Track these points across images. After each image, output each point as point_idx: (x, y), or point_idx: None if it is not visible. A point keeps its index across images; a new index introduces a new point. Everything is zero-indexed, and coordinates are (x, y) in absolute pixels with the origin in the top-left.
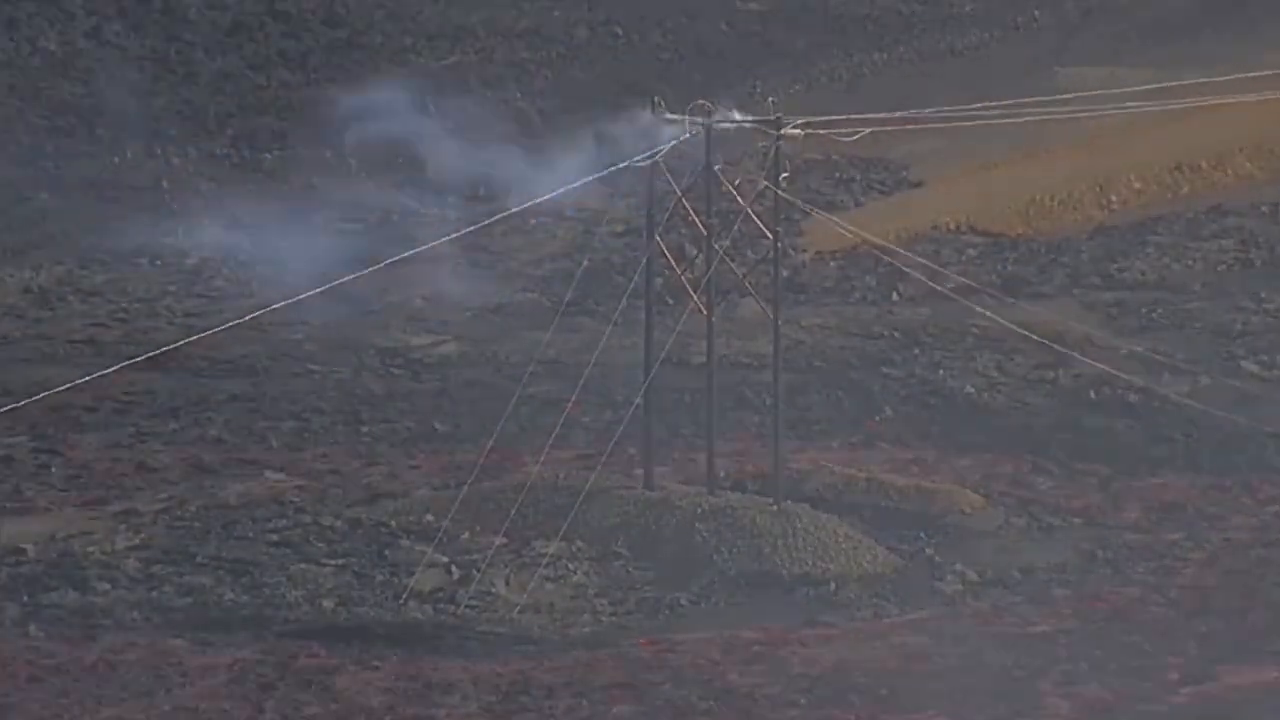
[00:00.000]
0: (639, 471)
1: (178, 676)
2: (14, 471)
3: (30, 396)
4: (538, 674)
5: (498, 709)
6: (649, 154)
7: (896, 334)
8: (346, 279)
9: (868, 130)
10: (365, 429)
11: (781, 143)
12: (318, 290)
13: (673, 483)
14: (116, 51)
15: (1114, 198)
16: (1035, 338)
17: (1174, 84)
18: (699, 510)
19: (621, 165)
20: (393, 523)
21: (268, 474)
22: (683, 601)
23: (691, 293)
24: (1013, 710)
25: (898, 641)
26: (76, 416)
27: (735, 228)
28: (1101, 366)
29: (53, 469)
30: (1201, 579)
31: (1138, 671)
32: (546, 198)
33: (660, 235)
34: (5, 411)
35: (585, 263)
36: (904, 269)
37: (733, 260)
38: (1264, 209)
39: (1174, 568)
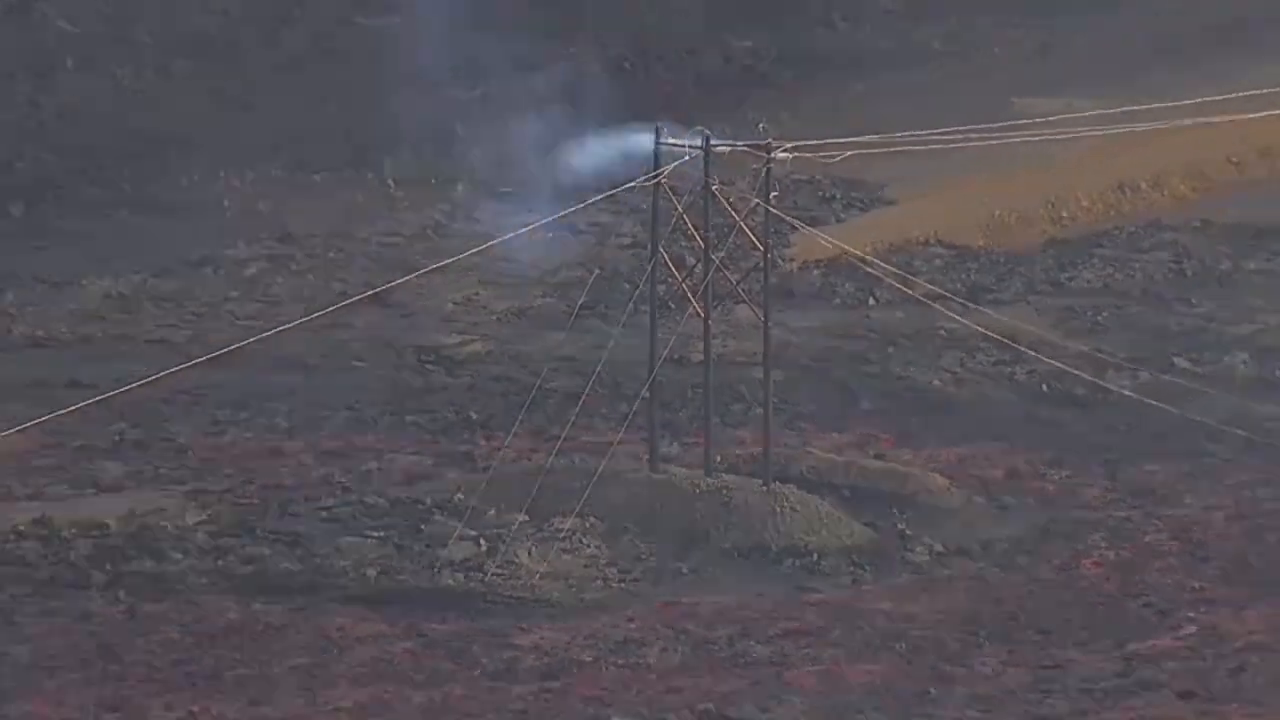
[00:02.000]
0: (645, 456)
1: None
2: (98, 455)
3: (112, 390)
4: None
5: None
6: (653, 175)
7: (873, 335)
8: (387, 286)
9: (848, 154)
10: (408, 418)
11: (771, 165)
12: (362, 296)
13: (675, 466)
14: (184, 84)
15: (1065, 214)
16: (995, 338)
17: (1117, 113)
18: (697, 491)
19: (629, 185)
20: (428, 501)
21: (317, 458)
22: (683, 571)
23: (691, 298)
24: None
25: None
26: (154, 408)
27: (730, 240)
28: (1053, 364)
29: (132, 453)
30: (1145, 552)
31: (1079, 631)
32: (563, 214)
33: (663, 247)
34: (91, 403)
35: (597, 272)
36: (879, 277)
37: (728, 269)
38: (1195, 224)
39: (1119, 542)
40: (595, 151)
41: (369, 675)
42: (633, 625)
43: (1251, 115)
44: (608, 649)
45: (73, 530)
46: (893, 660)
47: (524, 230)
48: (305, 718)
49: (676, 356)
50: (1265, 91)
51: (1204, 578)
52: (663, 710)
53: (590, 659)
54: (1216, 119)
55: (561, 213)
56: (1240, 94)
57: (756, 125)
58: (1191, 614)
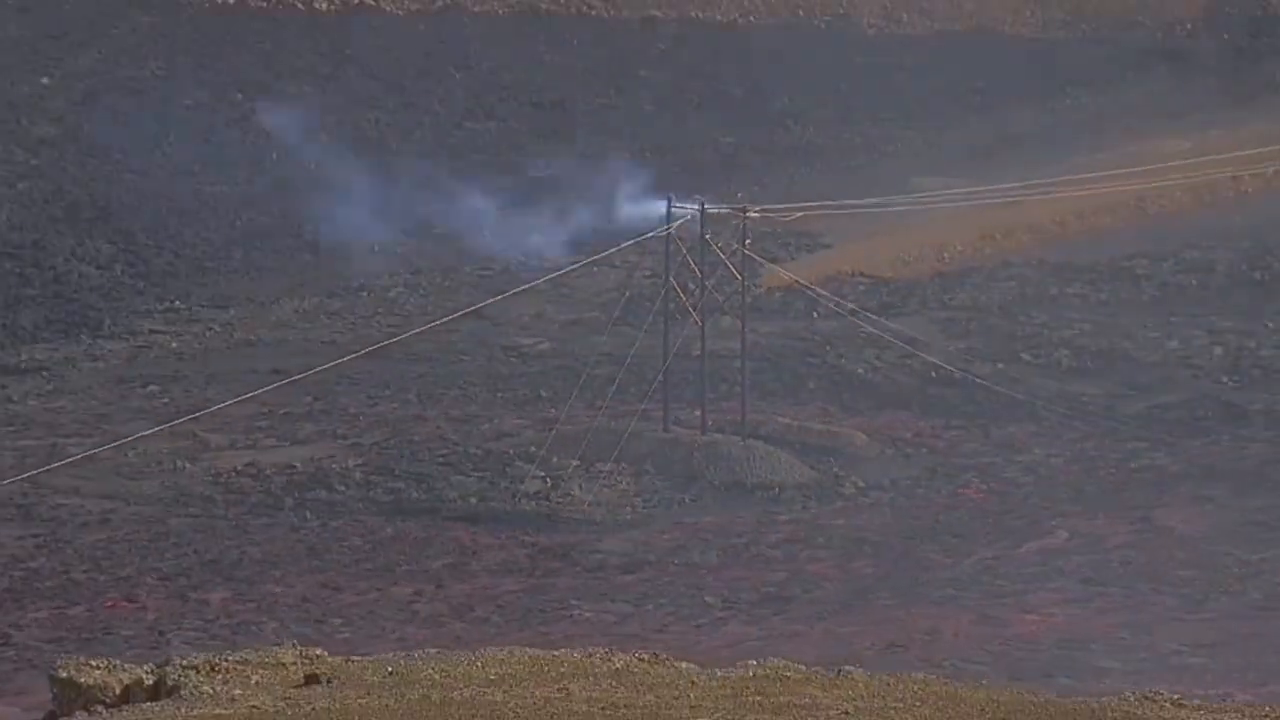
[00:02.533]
0: (660, 419)
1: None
2: (291, 419)
3: (300, 375)
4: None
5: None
6: (666, 228)
7: (816, 337)
8: (483, 304)
9: (798, 215)
10: (498, 395)
11: (746, 222)
12: (467, 310)
13: (680, 427)
14: (348, 168)
15: (946, 256)
16: (899, 341)
17: (981, 189)
18: (696, 444)
19: (650, 235)
20: (511, 451)
21: (436, 421)
22: (685, 501)
23: (692, 312)
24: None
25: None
26: (329, 387)
27: (718, 273)
28: (937, 359)
29: (314, 418)
30: (1009, 485)
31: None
32: (605, 254)
33: (673, 277)
34: (286, 383)
35: (627, 294)
36: (820, 298)
37: (717, 292)
38: (1034, 263)
39: (989, 479)
40: (629, 212)
41: (501, 570)
42: (665, 537)
43: (1068, 193)
44: (664, 552)
45: (272, 469)
46: (869, 558)
47: (578, 265)
48: (468, 595)
49: (682, 352)
50: (1077, 176)
51: (1056, 500)
52: (736, 592)
53: (655, 559)
54: (1044, 194)
55: (602, 254)
56: (1061, 178)
57: (736, 195)
58: (1054, 523)
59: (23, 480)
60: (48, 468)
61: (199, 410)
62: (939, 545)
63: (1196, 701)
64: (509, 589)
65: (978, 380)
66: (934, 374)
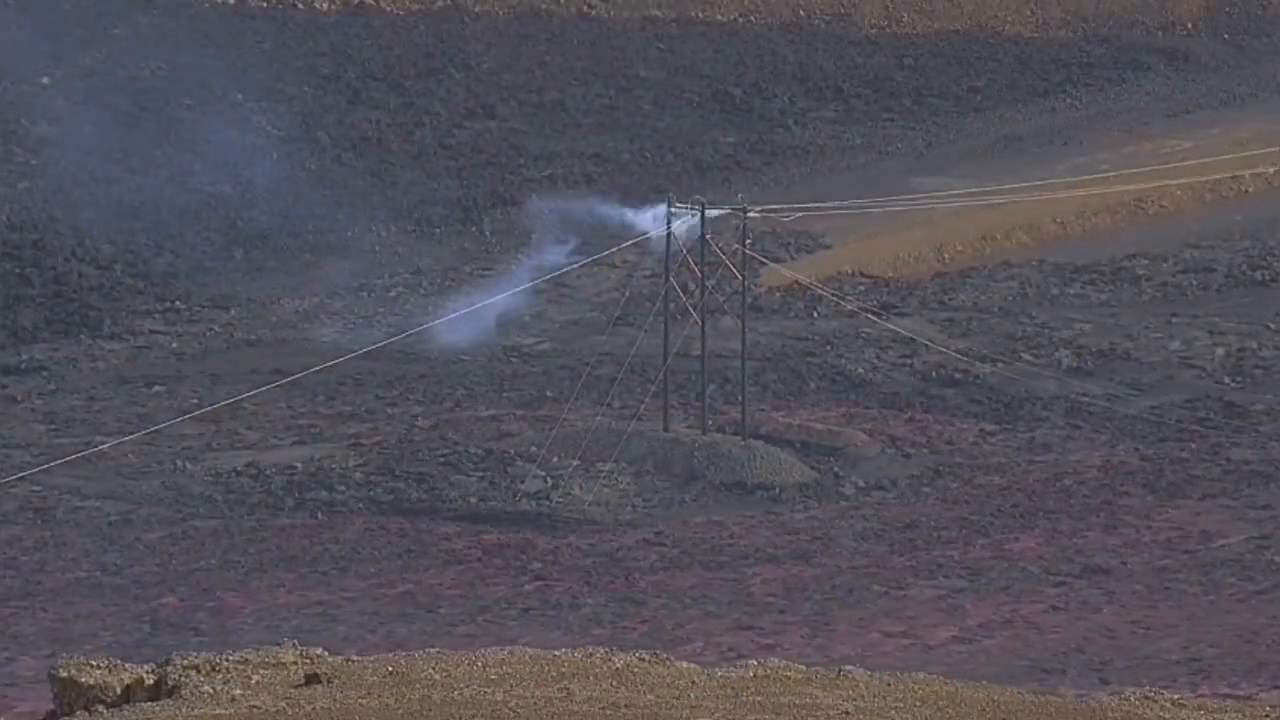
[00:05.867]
0: (660, 419)
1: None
2: (293, 418)
3: (300, 374)
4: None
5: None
6: (667, 229)
7: (816, 337)
8: (483, 304)
9: (798, 215)
10: (500, 394)
11: (746, 222)
12: (468, 310)
13: (680, 427)
14: (348, 169)
15: (946, 256)
16: (899, 339)
17: (981, 189)
18: (696, 444)
19: (650, 234)
20: (511, 451)
21: (437, 421)
22: (685, 500)
23: (692, 312)
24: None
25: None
26: (330, 387)
27: (719, 272)
28: (938, 357)
29: (313, 417)
30: (1004, 485)
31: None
32: (605, 254)
33: (672, 277)
34: (285, 382)
35: (628, 294)
36: (821, 297)
37: (717, 292)
38: (1033, 263)
39: (988, 477)
40: (631, 211)
41: (501, 569)
42: (664, 536)
43: (1067, 193)
44: (662, 552)
45: (273, 469)
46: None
47: (576, 265)
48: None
49: (682, 352)
50: (1077, 177)
51: (1058, 499)
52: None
53: (652, 558)
54: (1044, 194)
55: (602, 254)
56: (1060, 180)
57: (736, 196)
58: (1053, 522)
59: (23, 479)
60: (45, 466)
61: (198, 410)
62: (935, 545)
63: (1196, 701)
64: (508, 588)
65: (978, 379)
66: (934, 374)
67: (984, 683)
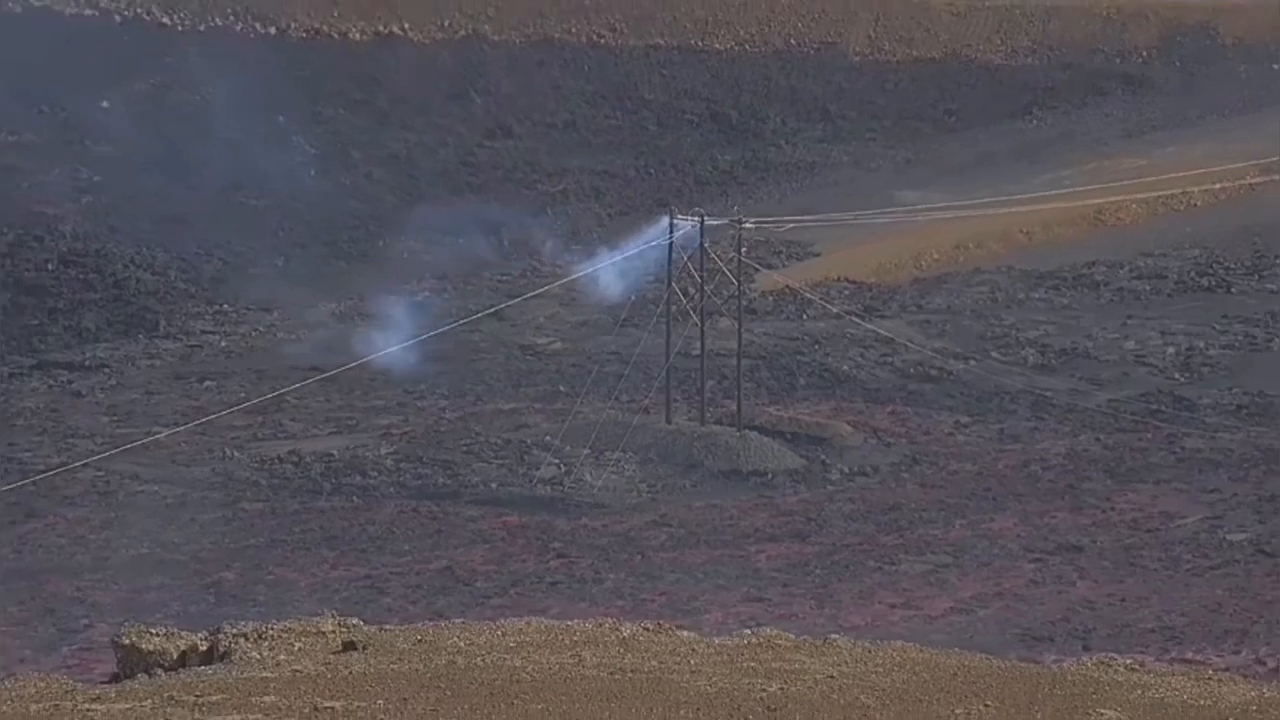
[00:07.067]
0: (663, 412)
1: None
2: (329, 410)
3: (337, 370)
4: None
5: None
6: (669, 238)
7: (806, 337)
8: (501, 306)
9: (790, 225)
10: (518, 389)
11: (741, 232)
12: (487, 312)
13: (681, 419)
14: (380, 184)
15: (923, 263)
16: (881, 339)
17: (954, 205)
18: (696, 435)
19: (654, 243)
20: (528, 440)
21: (461, 414)
22: (686, 486)
23: (693, 314)
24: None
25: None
26: (363, 382)
27: (716, 278)
28: (916, 355)
29: (347, 410)
30: (978, 471)
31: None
32: (613, 260)
33: (674, 283)
34: (323, 378)
35: (633, 298)
36: (810, 301)
37: (715, 296)
38: (1003, 270)
39: (961, 464)
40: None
41: (518, 548)
42: (667, 519)
43: (1034, 206)
44: (666, 533)
45: (312, 457)
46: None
47: (587, 271)
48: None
49: (683, 351)
50: (1044, 193)
51: (1025, 485)
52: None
53: (658, 539)
54: (1013, 207)
55: (610, 260)
56: (1028, 194)
57: (733, 208)
58: (1022, 505)
59: (88, 465)
60: (108, 453)
61: (245, 403)
62: (918, 525)
63: (1149, 666)
64: (535, 564)
65: (952, 376)
66: (912, 370)
67: (955, 650)
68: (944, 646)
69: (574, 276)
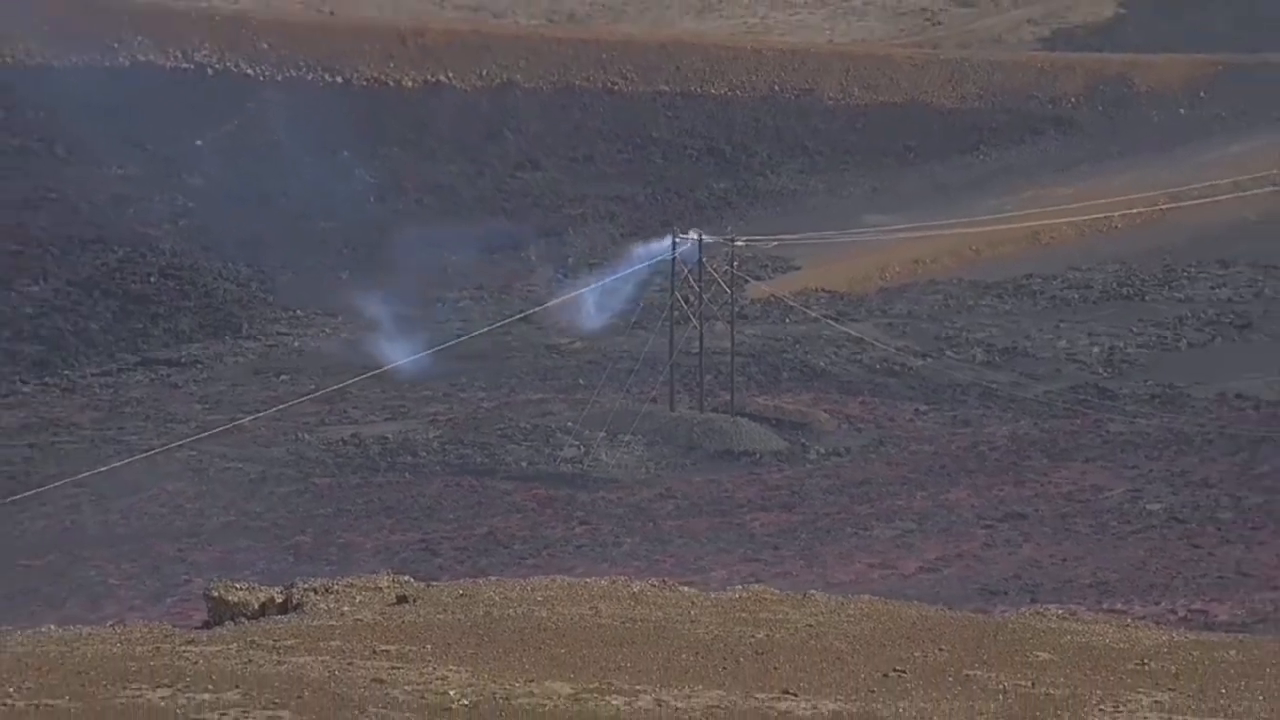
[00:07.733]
0: (668, 402)
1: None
2: (384, 400)
3: (390, 366)
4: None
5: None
6: (672, 253)
7: (788, 338)
8: (529, 311)
9: (775, 243)
10: (544, 382)
11: (734, 248)
12: (517, 316)
13: (683, 408)
14: (424, 205)
15: (888, 275)
16: (852, 339)
17: (914, 226)
18: (695, 421)
19: (659, 258)
20: (552, 425)
21: (495, 403)
22: (687, 464)
23: (693, 318)
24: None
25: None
26: (413, 376)
27: (713, 288)
28: (882, 353)
29: (399, 401)
30: (935, 451)
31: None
32: (623, 273)
33: (677, 292)
34: (373, 375)
35: (642, 304)
36: (791, 307)
37: (712, 303)
38: (955, 281)
39: (920, 445)
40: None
41: (544, 517)
42: (672, 491)
43: (980, 228)
44: (672, 503)
45: (370, 439)
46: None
47: (603, 283)
48: (519, 536)
49: (684, 350)
50: (990, 216)
51: (982, 458)
52: (730, 533)
53: (665, 508)
54: (964, 229)
55: (622, 273)
56: (976, 217)
57: (726, 229)
58: (974, 480)
59: (183, 446)
60: (199, 436)
61: (314, 393)
62: (886, 497)
63: (1079, 615)
64: (563, 530)
65: (912, 370)
66: (879, 366)
67: (914, 603)
68: (916, 600)
69: (592, 287)
